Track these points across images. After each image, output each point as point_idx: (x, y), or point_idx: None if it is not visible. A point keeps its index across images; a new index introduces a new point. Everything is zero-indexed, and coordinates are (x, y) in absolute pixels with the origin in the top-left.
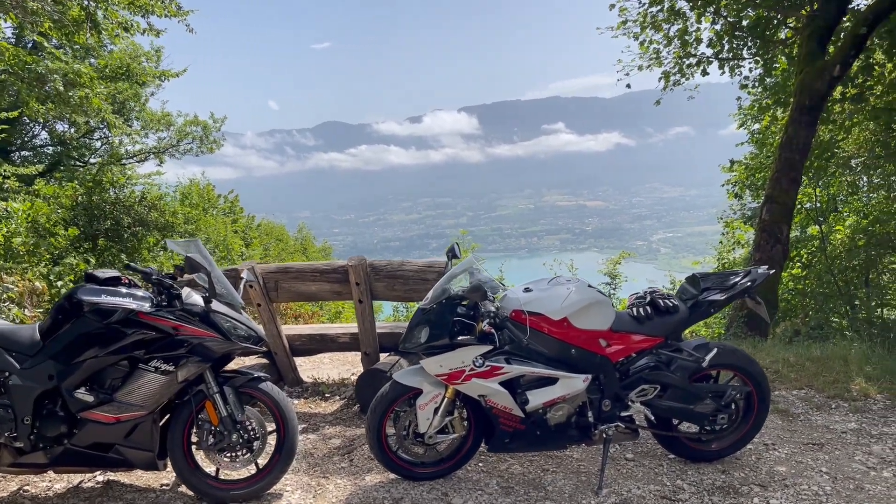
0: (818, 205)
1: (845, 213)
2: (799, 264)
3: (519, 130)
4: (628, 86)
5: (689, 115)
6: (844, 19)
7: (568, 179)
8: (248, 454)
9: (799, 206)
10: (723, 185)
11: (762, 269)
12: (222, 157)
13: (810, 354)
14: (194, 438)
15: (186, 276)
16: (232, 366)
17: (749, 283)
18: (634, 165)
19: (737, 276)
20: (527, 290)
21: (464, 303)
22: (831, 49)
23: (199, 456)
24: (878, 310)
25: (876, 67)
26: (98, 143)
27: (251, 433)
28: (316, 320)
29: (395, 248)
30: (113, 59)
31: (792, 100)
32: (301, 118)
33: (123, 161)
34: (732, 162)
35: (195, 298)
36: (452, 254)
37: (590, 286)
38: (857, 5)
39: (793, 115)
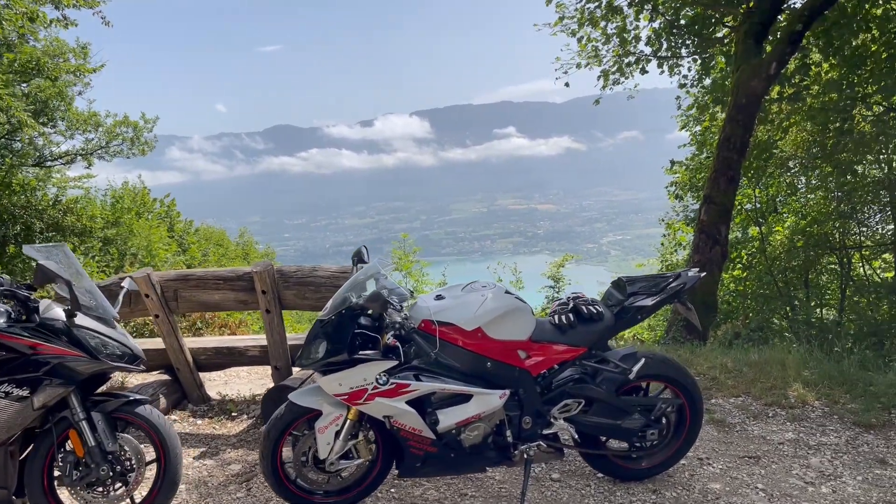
0: (758, 206)
1: (785, 214)
2: (739, 265)
3: (471, 135)
4: (567, 84)
5: (637, 120)
6: (780, 17)
7: (520, 183)
8: (123, 488)
9: (739, 208)
10: (666, 188)
11: (692, 272)
12: (169, 162)
13: (748, 359)
14: (57, 473)
15: (54, 289)
16: (132, 381)
17: (679, 287)
18: (585, 169)
19: (666, 280)
20: (439, 297)
21: (368, 313)
22: (768, 48)
23: (65, 493)
24: (818, 310)
25: (812, 67)
26: (18, 145)
27: (125, 464)
28: (246, 330)
29: (348, 252)
30: (23, 53)
31: (729, 98)
32: (250, 121)
33: (48, 163)
34: (673, 163)
35: (56, 312)
36: (358, 258)
37: (507, 292)
38: (793, 3)
39: (730, 114)
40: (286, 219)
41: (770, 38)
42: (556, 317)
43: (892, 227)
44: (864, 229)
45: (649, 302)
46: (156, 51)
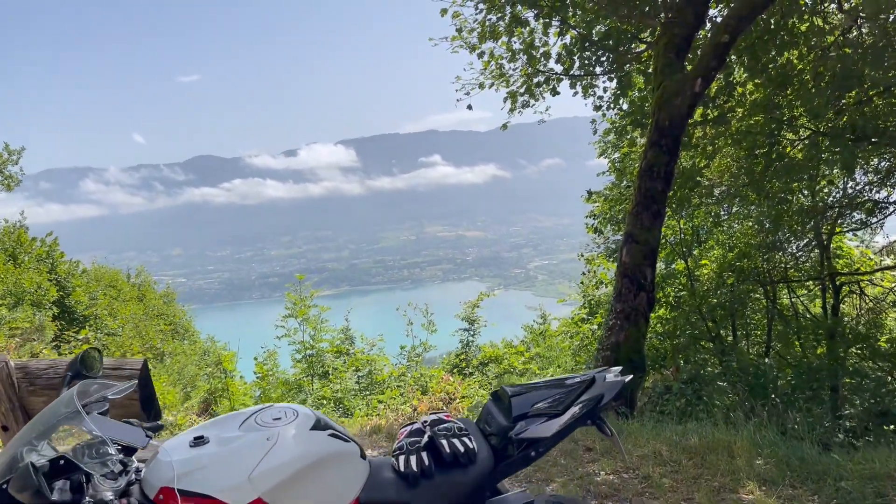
0: (682, 237)
1: (712, 246)
2: (665, 304)
3: (398, 163)
4: (469, 107)
5: (559, 148)
6: (703, 30)
7: (447, 211)
8: None
9: (664, 241)
10: (586, 217)
11: (612, 376)
12: (84, 195)
13: (687, 443)
14: None
15: None
16: None
17: (592, 403)
18: (510, 196)
19: (573, 391)
20: (197, 441)
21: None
22: (689, 67)
23: None
24: (751, 351)
25: (737, 87)
26: None
27: None
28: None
29: (274, 283)
30: None
31: (650, 120)
32: (171, 152)
33: None
34: (591, 193)
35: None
36: (76, 371)
37: (319, 426)
38: (716, 17)
39: (652, 138)
40: (209, 251)
41: (691, 55)
42: (401, 460)
43: (818, 255)
44: (789, 258)
45: (548, 430)
46: (67, 79)
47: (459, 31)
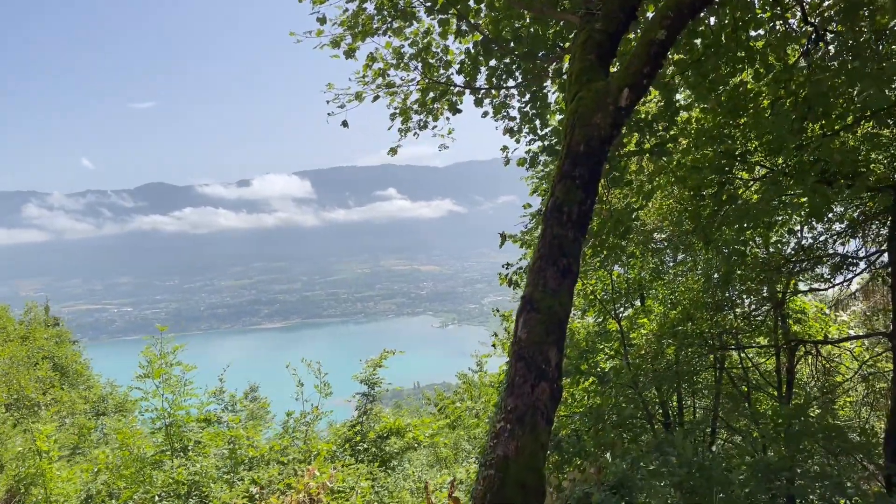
0: (614, 293)
1: (652, 304)
2: (590, 376)
3: (354, 195)
4: (345, 123)
5: (516, 186)
6: (634, 29)
7: (403, 245)
8: None
9: (592, 298)
10: (502, 267)
11: None
12: (27, 219)
13: None
14: None
15: None
16: None
17: None
18: (466, 232)
19: None
20: None
21: None
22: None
23: None
24: (699, 449)
25: (681, 113)
26: None
27: None
28: None
29: (223, 315)
30: None
31: (561, 145)
32: (120, 178)
33: None
34: (504, 237)
35: None
36: None
37: None
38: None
39: (563, 168)
40: (156, 280)
41: (618, 61)
42: None
43: (771, 315)
44: (740, 320)
45: None
46: (10, 99)
47: (322, 21)
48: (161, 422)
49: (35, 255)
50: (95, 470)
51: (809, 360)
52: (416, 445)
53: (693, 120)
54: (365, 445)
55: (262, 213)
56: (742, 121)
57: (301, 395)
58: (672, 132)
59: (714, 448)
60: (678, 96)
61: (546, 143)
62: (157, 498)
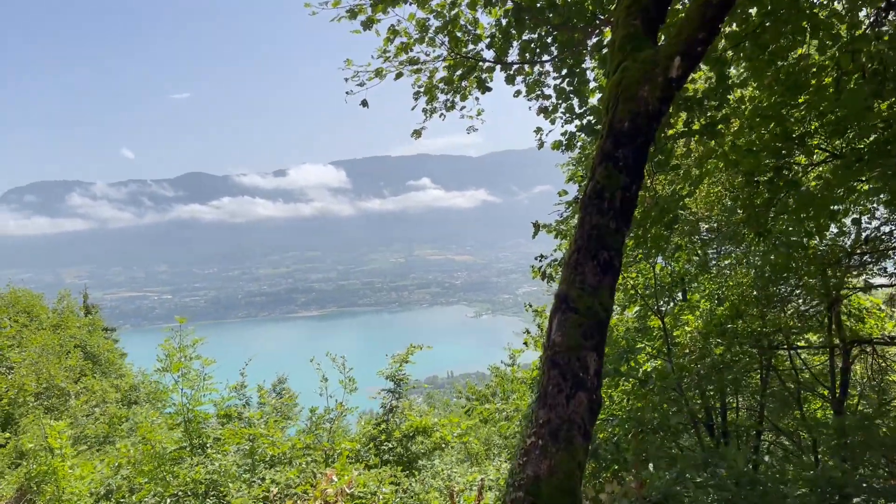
0: (658, 286)
1: (697, 300)
2: (632, 377)
3: (389, 185)
4: (364, 103)
5: (552, 175)
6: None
7: (437, 234)
8: None
9: (632, 292)
10: (535, 259)
11: None
12: (71, 208)
13: None
14: None
15: None
16: None
17: None
18: (500, 222)
19: None
20: None
21: None
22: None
23: None
24: (749, 460)
25: (735, 90)
26: None
27: None
28: None
29: (261, 303)
30: None
31: (601, 123)
32: (160, 168)
33: None
34: (537, 227)
35: None
36: None
37: None
38: None
39: (604, 149)
40: (195, 268)
41: (663, 35)
42: None
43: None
44: (792, 318)
45: None
46: (53, 91)
47: None
48: (180, 417)
49: (79, 243)
50: (116, 464)
51: (864, 360)
52: (443, 445)
53: (747, 98)
54: (390, 445)
55: (299, 203)
56: (802, 99)
57: (325, 390)
58: (724, 111)
59: (760, 453)
60: (731, 72)
61: (584, 121)
62: (175, 496)
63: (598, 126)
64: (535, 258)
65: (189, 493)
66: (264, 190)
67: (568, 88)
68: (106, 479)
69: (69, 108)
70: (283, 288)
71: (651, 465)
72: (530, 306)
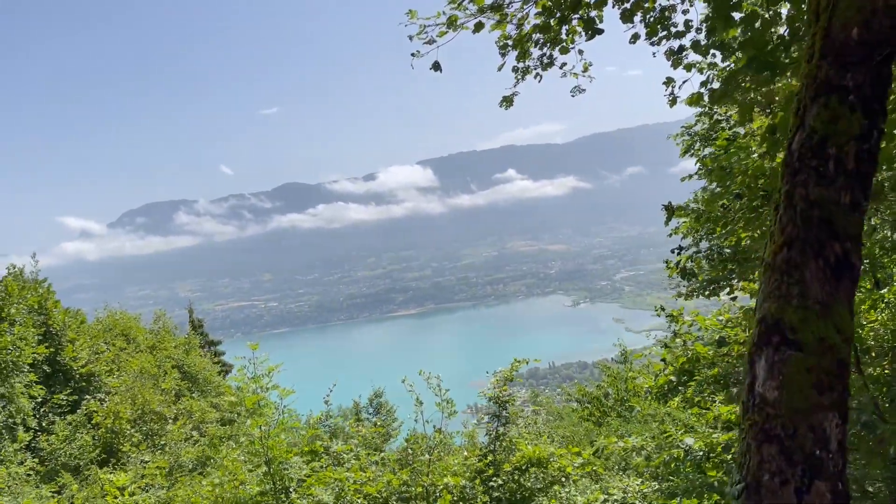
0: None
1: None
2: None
3: (477, 180)
4: (437, 66)
5: (641, 156)
6: None
7: (528, 225)
8: None
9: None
10: (671, 252)
11: None
12: (178, 227)
13: None
14: None
15: None
16: None
17: None
18: (593, 207)
19: None
20: None
21: None
22: None
23: None
24: None
25: None
26: None
27: None
28: None
29: (361, 304)
30: None
31: (809, 39)
32: (257, 182)
33: None
34: (671, 211)
35: None
36: None
37: None
38: None
39: (819, 77)
40: (298, 275)
41: None
42: None
43: None
44: None
45: None
46: (146, 110)
47: None
48: (259, 459)
49: (189, 258)
50: None
51: None
52: (563, 479)
53: None
54: (500, 480)
55: (390, 205)
56: None
57: (420, 415)
58: None
59: None
60: None
61: (748, 53)
62: None
63: (782, 56)
64: (672, 251)
65: None
66: (356, 195)
67: (710, 14)
68: None
69: (169, 129)
70: (382, 289)
71: None
72: (662, 309)
